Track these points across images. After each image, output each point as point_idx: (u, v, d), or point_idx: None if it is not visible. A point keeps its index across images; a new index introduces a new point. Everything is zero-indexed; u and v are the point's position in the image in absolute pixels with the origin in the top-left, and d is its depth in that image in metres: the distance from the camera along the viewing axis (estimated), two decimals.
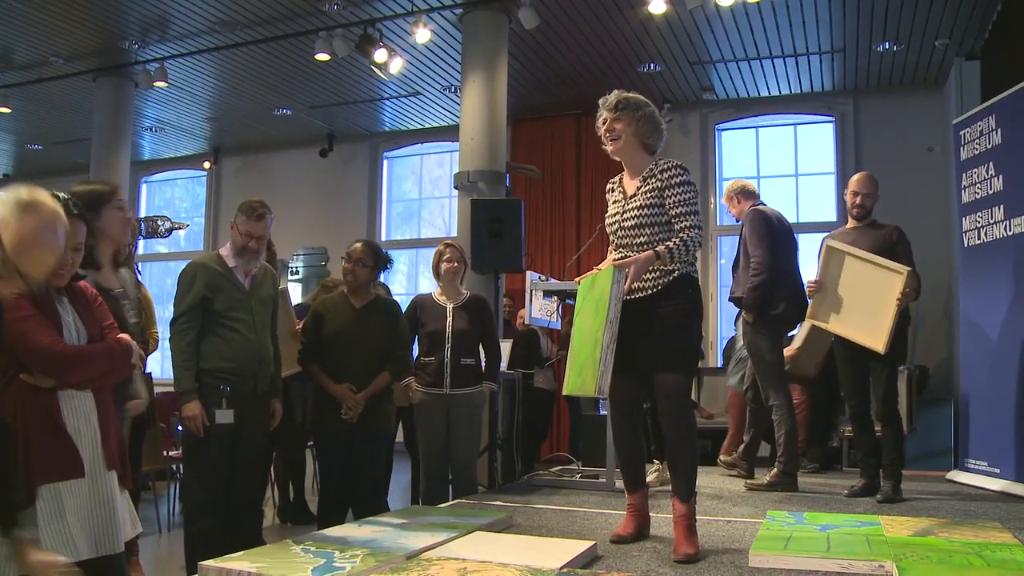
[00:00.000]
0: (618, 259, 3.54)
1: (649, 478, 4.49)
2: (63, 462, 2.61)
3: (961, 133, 6.25)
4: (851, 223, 5.28)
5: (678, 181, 3.49)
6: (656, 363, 3.47)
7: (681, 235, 3.45)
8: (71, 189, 3.10)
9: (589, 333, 3.49)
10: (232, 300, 4.03)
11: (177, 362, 3.92)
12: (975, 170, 6.05)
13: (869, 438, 5.07)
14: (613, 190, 3.73)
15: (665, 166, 3.53)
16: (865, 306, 4.92)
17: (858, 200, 5.17)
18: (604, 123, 3.61)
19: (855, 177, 5.28)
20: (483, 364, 5.12)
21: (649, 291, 3.49)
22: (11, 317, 2.56)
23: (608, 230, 3.70)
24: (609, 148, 3.64)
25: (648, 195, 3.52)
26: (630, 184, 3.63)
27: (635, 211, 3.53)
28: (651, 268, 3.46)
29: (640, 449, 3.72)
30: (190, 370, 3.86)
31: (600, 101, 3.64)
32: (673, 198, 3.48)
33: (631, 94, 3.62)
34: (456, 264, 5.06)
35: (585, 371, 3.43)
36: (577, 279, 3.83)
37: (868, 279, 4.94)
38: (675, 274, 3.47)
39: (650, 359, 3.48)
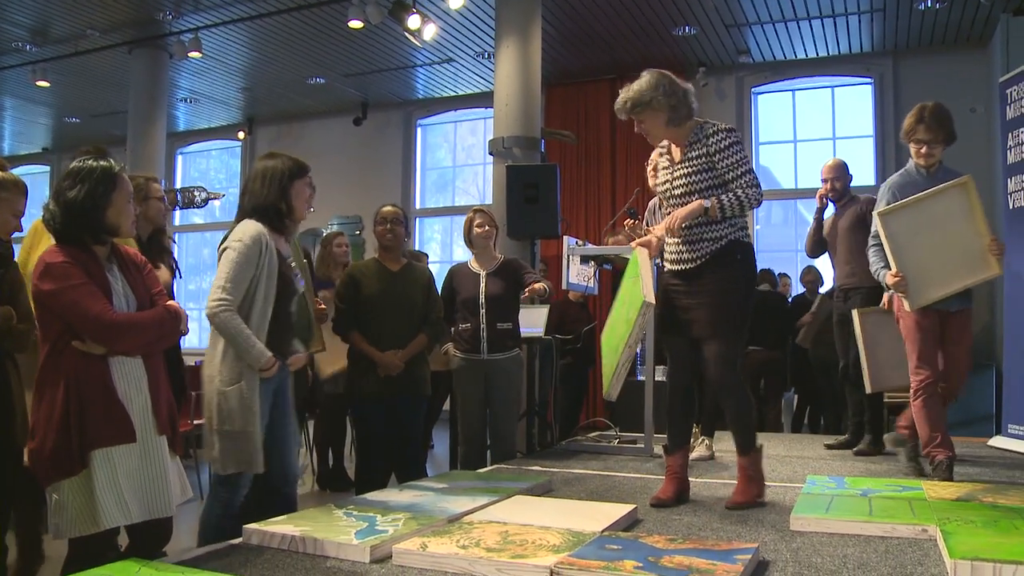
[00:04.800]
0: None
1: (693, 454, 4.54)
2: (115, 427, 2.66)
3: (1007, 92, 6.10)
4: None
5: (727, 144, 3.49)
6: (701, 331, 3.54)
7: (737, 191, 3.44)
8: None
9: (616, 339, 3.74)
10: None
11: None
12: (1022, 129, 5.91)
13: (859, 397, 5.20)
14: (662, 155, 3.73)
15: (711, 131, 3.53)
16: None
17: (827, 185, 5.31)
18: (635, 127, 3.65)
19: (826, 164, 5.39)
20: (520, 328, 5.11)
21: (697, 262, 3.52)
22: (62, 286, 2.60)
23: (660, 196, 3.76)
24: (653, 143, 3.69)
25: (695, 162, 3.54)
26: (677, 151, 3.65)
27: (683, 179, 3.57)
28: (701, 237, 3.50)
29: (691, 407, 3.77)
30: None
31: (616, 111, 3.63)
32: (725, 161, 3.48)
33: (634, 88, 3.56)
34: (487, 228, 5.04)
35: (607, 376, 3.77)
36: (633, 243, 3.84)
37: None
38: (723, 242, 3.49)
39: (696, 327, 3.55)
